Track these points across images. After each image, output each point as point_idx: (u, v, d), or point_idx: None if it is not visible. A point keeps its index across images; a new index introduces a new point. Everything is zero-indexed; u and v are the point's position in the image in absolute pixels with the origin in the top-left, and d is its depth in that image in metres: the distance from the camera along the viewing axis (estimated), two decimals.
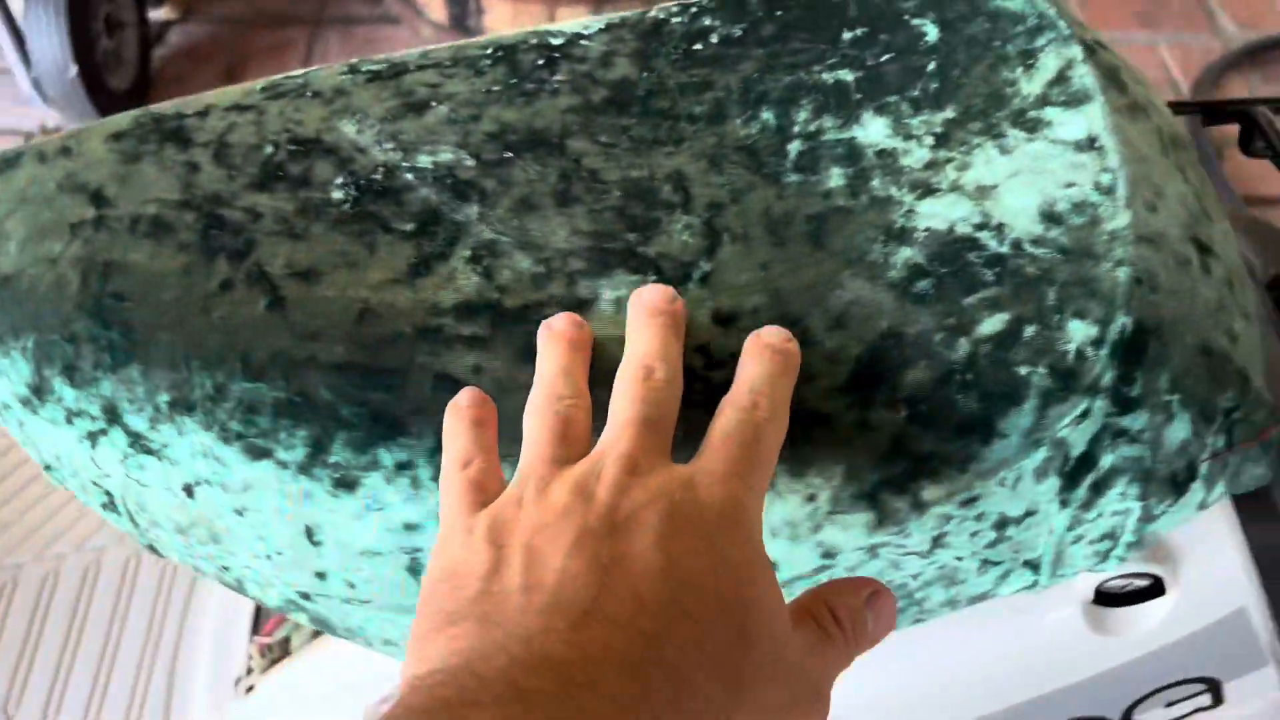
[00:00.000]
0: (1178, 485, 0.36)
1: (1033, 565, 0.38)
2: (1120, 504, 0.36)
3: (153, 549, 0.42)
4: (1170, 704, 0.53)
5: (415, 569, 0.37)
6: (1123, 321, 0.33)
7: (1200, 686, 0.53)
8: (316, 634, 0.65)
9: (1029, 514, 0.35)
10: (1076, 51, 0.39)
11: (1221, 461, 0.36)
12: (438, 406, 0.33)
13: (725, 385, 0.32)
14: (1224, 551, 0.47)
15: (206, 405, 0.34)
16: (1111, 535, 0.37)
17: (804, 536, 0.35)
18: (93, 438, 0.36)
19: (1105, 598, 0.48)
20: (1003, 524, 0.35)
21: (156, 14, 1.74)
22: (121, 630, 0.74)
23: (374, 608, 0.39)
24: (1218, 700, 0.55)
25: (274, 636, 0.67)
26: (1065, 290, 0.33)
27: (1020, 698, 0.50)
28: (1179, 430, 0.34)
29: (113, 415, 0.35)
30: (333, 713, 0.58)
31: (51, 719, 0.71)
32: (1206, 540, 0.47)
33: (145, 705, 0.71)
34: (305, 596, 0.40)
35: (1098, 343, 0.33)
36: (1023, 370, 0.33)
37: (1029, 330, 0.33)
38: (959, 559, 0.37)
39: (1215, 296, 0.36)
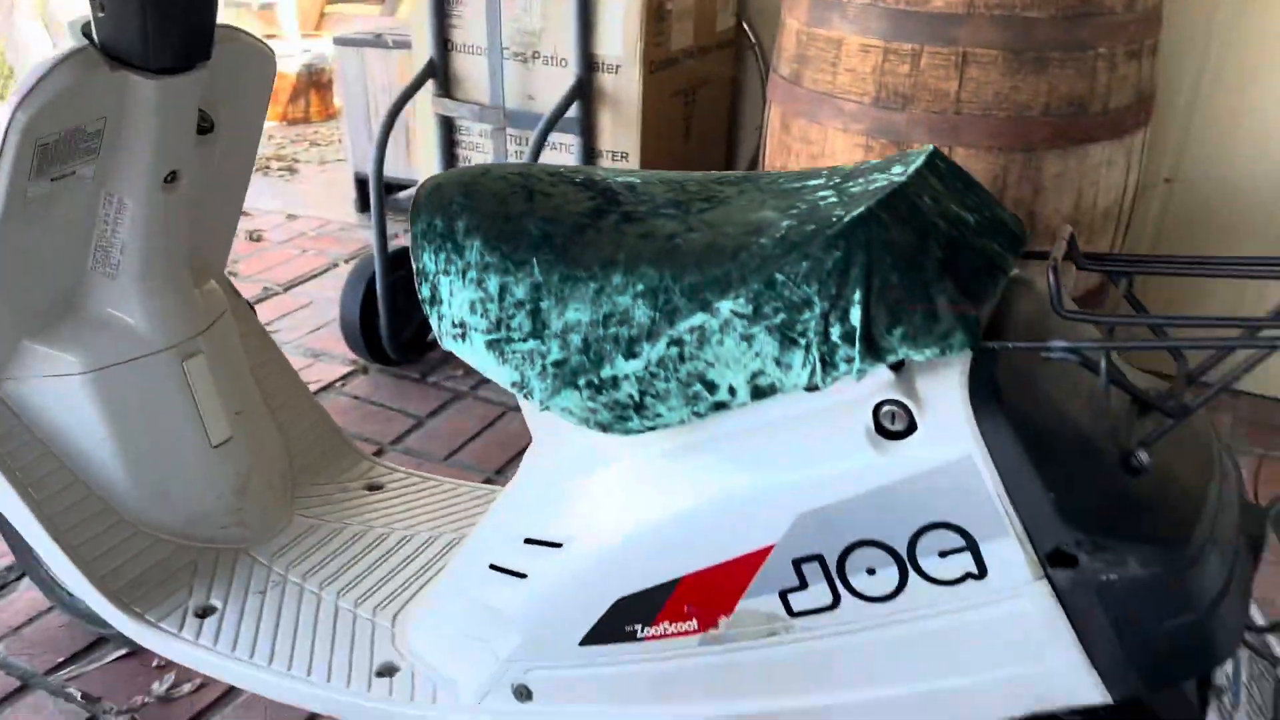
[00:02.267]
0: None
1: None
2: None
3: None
4: (944, 554, 0.73)
5: None
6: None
7: (957, 538, 0.72)
8: None
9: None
10: None
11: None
12: None
13: None
14: (952, 401, 0.72)
15: None
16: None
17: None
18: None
19: (880, 430, 0.74)
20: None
21: None
22: None
23: None
24: (982, 569, 0.72)
25: None
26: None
27: (809, 506, 0.76)
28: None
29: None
30: None
31: None
32: (941, 395, 0.72)
33: None
34: None
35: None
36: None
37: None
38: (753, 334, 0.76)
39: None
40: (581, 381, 0.82)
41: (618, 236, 0.82)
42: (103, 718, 1.44)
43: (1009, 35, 1.69)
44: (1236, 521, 0.77)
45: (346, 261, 3.08)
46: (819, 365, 0.73)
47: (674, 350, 0.77)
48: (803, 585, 0.77)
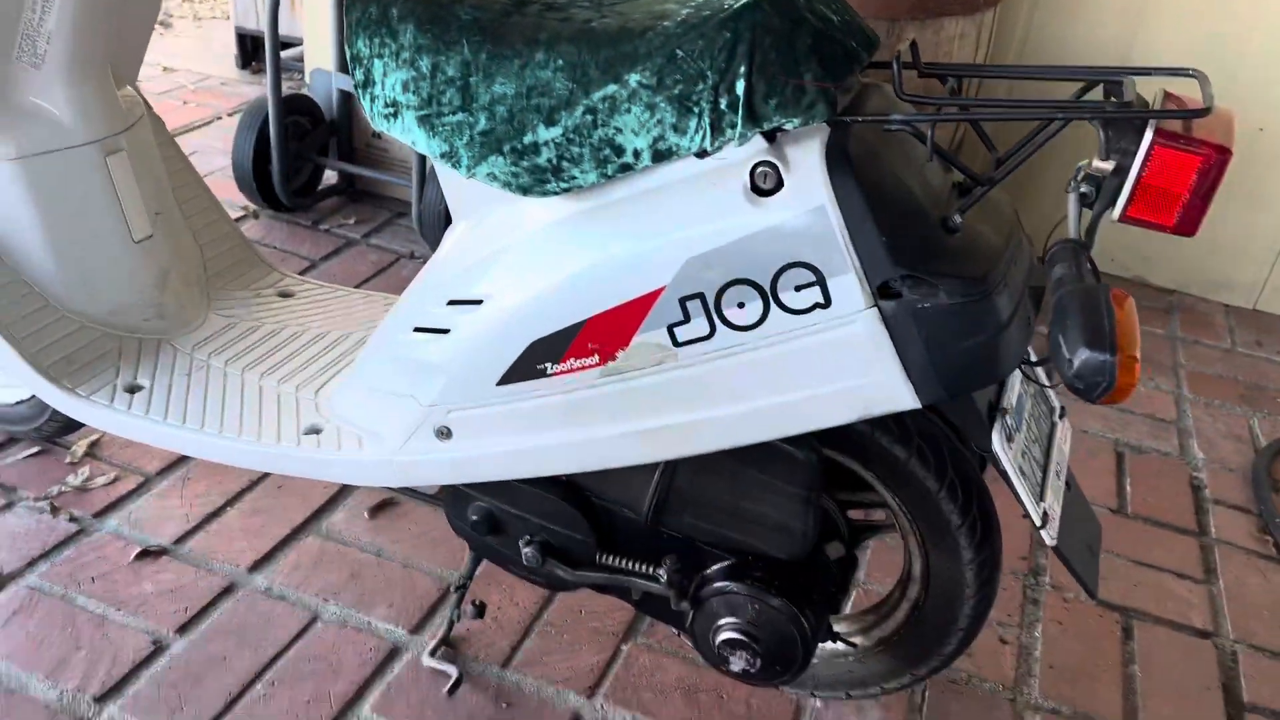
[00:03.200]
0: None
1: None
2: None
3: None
4: (799, 288, 0.91)
5: None
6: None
7: (810, 274, 0.90)
8: None
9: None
10: None
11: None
12: None
13: None
14: (811, 163, 0.89)
15: None
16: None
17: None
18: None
19: (755, 189, 0.91)
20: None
21: None
22: None
23: None
24: (827, 299, 0.91)
25: None
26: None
27: (697, 251, 0.92)
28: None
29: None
30: None
31: None
32: (804, 157, 0.90)
33: None
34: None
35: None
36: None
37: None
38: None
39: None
40: (506, 149, 0.96)
41: (540, 20, 0.95)
42: (20, 504, 1.53)
43: None
44: (1025, 272, 0.98)
45: (230, 115, 3.06)
46: (709, 130, 0.89)
47: (588, 118, 0.92)
48: (686, 320, 0.95)
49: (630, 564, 1.12)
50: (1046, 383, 1.16)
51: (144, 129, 1.43)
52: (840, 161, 0.89)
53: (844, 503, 1.18)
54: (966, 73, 1.01)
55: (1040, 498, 1.03)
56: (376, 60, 1.00)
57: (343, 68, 2.46)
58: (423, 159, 2.33)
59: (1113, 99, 0.91)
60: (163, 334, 1.42)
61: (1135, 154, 0.85)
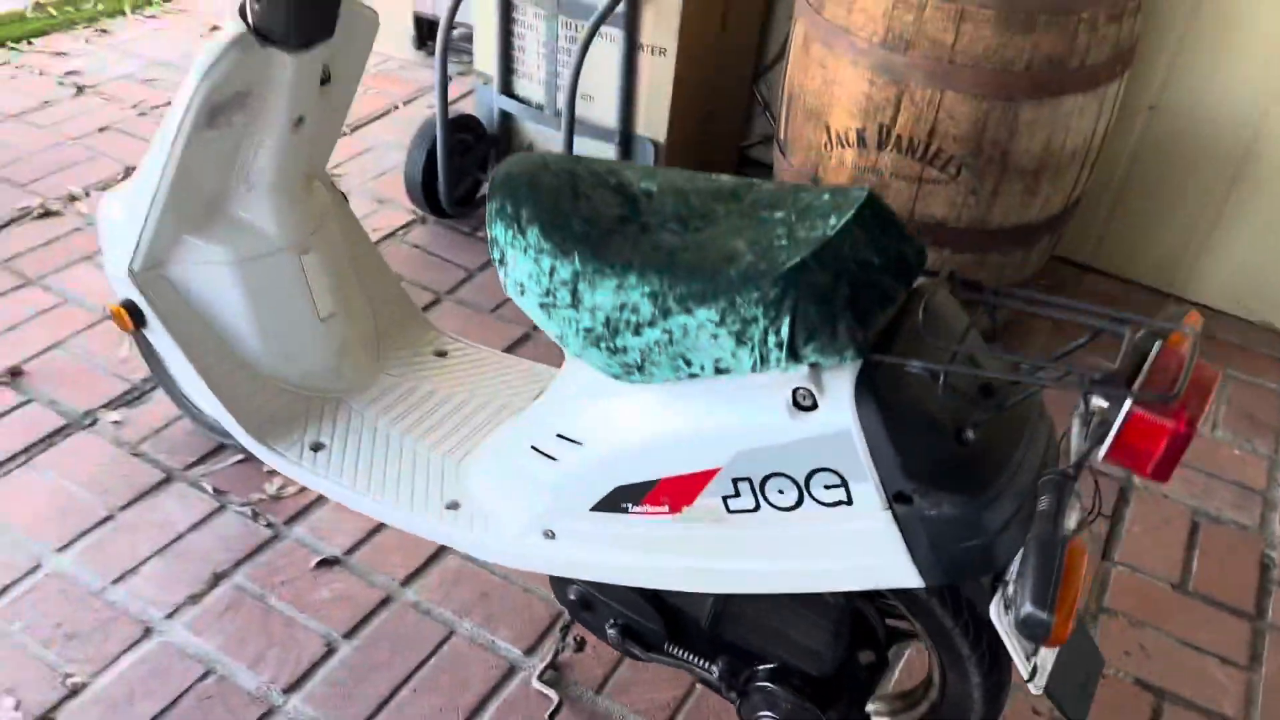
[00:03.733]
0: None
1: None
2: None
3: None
4: (828, 487, 1.12)
5: None
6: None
7: (837, 479, 1.11)
8: None
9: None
10: None
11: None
12: None
13: None
14: (841, 393, 1.09)
15: None
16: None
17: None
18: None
19: (795, 404, 1.12)
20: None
21: None
22: None
23: None
24: (850, 499, 1.11)
25: None
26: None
27: (747, 446, 1.14)
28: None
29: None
30: None
31: None
32: (836, 387, 1.09)
33: None
34: None
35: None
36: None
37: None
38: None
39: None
40: (602, 345, 1.19)
41: (635, 243, 1.16)
42: (229, 508, 1.92)
43: None
44: (1039, 461, 1.15)
45: (405, 104, 3.36)
46: (759, 360, 1.10)
47: (665, 337, 1.14)
48: (737, 495, 1.17)
49: (691, 657, 1.39)
50: (1071, 530, 1.32)
51: (330, 224, 1.73)
52: (866, 394, 1.08)
53: (882, 610, 1.40)
54: (996, 300, 1.17)
55: (1034, 653, 1.22)
56: (509, 248, 1.24)
57: (504, 89, 2.71)
58: None
59: (1097, 370, 1.06)
60: (343, 394, 1.75)
61: (1118, 413, 1.01)
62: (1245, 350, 2.57)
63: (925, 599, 1.24)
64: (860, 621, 1.39)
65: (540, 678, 1.65)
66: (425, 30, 3.68)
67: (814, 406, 1.11)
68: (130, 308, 1.59)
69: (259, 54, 1.40)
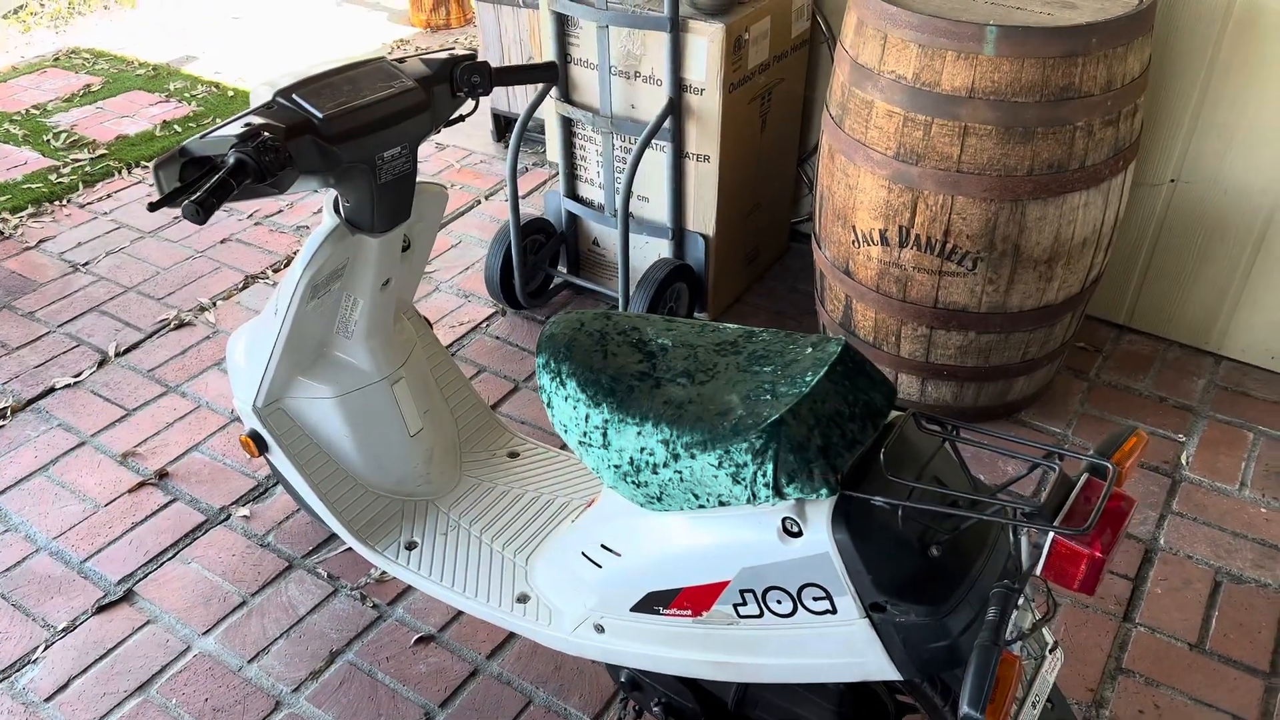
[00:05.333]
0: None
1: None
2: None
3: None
4: (816, 599, 1.36)
5: None
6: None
7: (822, 592, 1.35)
8: None
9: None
10: None
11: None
12: None
13: None
14: (820, 523, 1.32)
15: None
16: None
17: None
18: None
19: (785, 530, 1.36)
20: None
21: None
22: None
23: None
24: (834, 609, 1.35)
25: None
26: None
27: (749, 564, 1.39)
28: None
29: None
30: None
31: None
32: (816, 518, 1.33)
33: None
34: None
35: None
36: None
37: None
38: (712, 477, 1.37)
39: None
40: (628, 480, 1.46)
41: (651, 396, 1.43)
42: (341, 591, 2.24)
43: (1001, 114, 2.13)
44: (992, 585, 1.36)
45: (486, 198, 3.70)
46: (752, 496, 1.34)
47: (677, 476, 1.39)
48: (744, 603, 1.42)
49: None
50: (1027, 630, 1.51)
51: (417, 354, 2.04)
52: (840, 523, 1.32)
53: (890, 687, 1.62)
54: (950, 435, 1.39)
55: None
56: (553, 395, 1.52)
57: (569, 193, 3.01)
58: (626, 268, 2.85)
59: (1027, 504, 1.26)
60: (431, 496, 2.05)
61: (1044, 542, 1.23)
62: (1277, 406, 2.68)
63: (922, 685, 1.46)
64: (871, 698, 1.61)
65: None
66: (503, 125, 4.03)
67: (800, 533, 1.35)
68: (255, 437, 1.92)
69: (350, 240, 1.72)
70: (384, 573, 2.26)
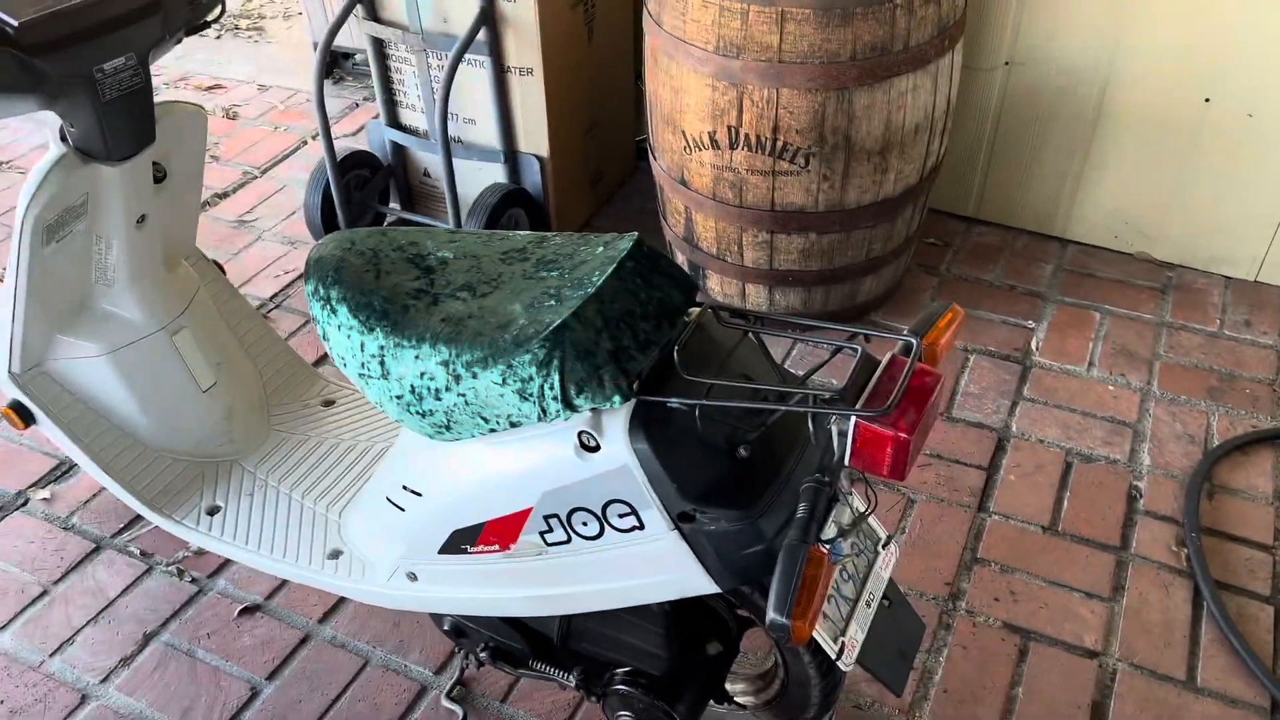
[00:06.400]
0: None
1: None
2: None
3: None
4: (621, 516, 1.24)
5: None
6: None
7: (627, 507, 1.23)
8: None
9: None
10: None
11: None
12: None
13: None
14: (617, 433, 1.20)
15: None
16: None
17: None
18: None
19: (582, 446, 1.23)
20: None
21: None
22: None
23: None
24: (641, 524, 1.23)
25: None
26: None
27: (549, 487, 1.26)
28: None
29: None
30: None
31: None
32: (612, 428, 1.21)
33: None
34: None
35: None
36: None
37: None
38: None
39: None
40: (412, 409, 1.31)
41: (427, 317, 1.28)
42: (157, 568, 2.05)
43: None
44: (804, 486, 1.26)
45: (314, 138, 3.45)
46: (542, 412, 1.21)
47: (461, 399, 1.25)
48: (550, 530, 1.29)
49: (553, 670, 1.52)
50: (847, 526, 1.42)
51: (201, 299, 1.84)
52: (638, 431, 1.20)
53: (730, 602, 1.53)
54: (753, 327, 1.28)
55: (842, 632, 1.34)
56: (326, 326, 1.35)
57: (390, 121, 2.80)
58: (454, 196, 2.68)
59: (826, 391, 1.17)
60: (235, 455, 1.87)
61: (848, 429, 1.13)
62: (1123, 285, 2.67)
63: (748, 593, 1.37)
64: (710, 615, 1.52)
65: (449, 695, 1.78)
66: (332, 61, 3.76)
67: (598, 447, 1.22)
68: (18, 408, 1.71)
69: (82, 170, 1.51)
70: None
